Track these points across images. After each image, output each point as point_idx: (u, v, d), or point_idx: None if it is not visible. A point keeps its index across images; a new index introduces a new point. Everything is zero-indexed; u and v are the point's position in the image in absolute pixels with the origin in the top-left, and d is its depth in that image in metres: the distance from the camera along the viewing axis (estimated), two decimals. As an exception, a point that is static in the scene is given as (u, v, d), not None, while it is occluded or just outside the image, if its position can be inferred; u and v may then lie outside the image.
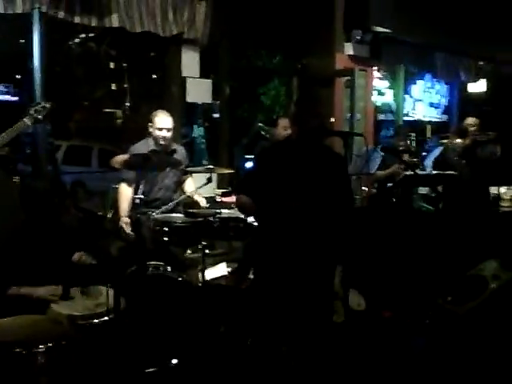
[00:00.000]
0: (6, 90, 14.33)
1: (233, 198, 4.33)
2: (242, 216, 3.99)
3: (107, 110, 11.25)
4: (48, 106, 3.53)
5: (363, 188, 5.57)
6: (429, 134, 10.05)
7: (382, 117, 9.67)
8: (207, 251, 4.06)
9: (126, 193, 4.46)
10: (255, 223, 3.80)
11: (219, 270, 4.51)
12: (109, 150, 9.81)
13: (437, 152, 6.34)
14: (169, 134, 4.56)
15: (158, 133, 4.53)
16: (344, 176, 3.31)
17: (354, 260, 4.34)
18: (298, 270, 3.18)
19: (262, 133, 6.29)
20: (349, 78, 7.07)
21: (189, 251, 4.49)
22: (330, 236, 3.23)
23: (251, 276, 3.95)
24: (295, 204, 3.09)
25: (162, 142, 4.54)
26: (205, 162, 6.97)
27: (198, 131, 7.26)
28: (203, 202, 4.68)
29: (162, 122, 4.55)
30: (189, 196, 4.65)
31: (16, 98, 14.23)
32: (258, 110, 9.32)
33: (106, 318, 2.94)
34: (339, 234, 3.25)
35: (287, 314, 3.19)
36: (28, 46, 5.00)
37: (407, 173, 5.03)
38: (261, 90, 9.32)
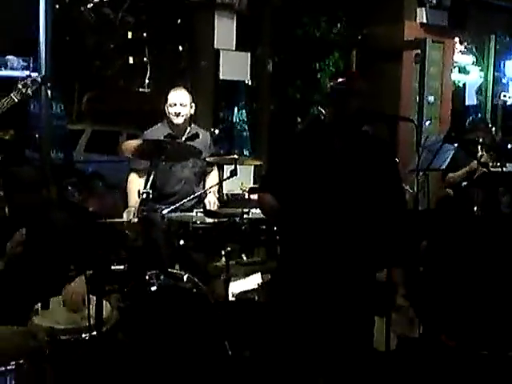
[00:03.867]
0: (24, 64, 14.72)
1: (255, 197, 4.30)
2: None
3: (140, 90, 11.50)
4: (39, 79, 3.61)
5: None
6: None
7: (471, 101, 9.42)
8: (245, 259, 4.05)
9: (136, 184, 4.51)
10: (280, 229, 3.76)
11: (251, 282, 4.50)
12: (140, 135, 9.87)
13: None
14: (183, 111, 4.58)
15: (170, 109, 4.60)
16: (392, 170, 3.24)
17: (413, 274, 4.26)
18: (337, 286, 3.13)
19: (322, 117, 6.21)
20: (419, 51, 6.94)
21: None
22: (376, 245, 3.16)
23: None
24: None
25: (175, 121, 4.59)
26: (246, 152, 6.97)
27: (238, 115, 7.26)
28: (211, 203, 4.66)
29: (175, 96, 4.60)
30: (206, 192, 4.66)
31: (36, 74, 14.62)
32: (314, 89, 9.22)
33: (93, 332, 2.97)
34: (388, 242, 3.18)
35: (323, 337, 3.14)
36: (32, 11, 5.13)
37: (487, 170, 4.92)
38: (318, 65, 9.22)
